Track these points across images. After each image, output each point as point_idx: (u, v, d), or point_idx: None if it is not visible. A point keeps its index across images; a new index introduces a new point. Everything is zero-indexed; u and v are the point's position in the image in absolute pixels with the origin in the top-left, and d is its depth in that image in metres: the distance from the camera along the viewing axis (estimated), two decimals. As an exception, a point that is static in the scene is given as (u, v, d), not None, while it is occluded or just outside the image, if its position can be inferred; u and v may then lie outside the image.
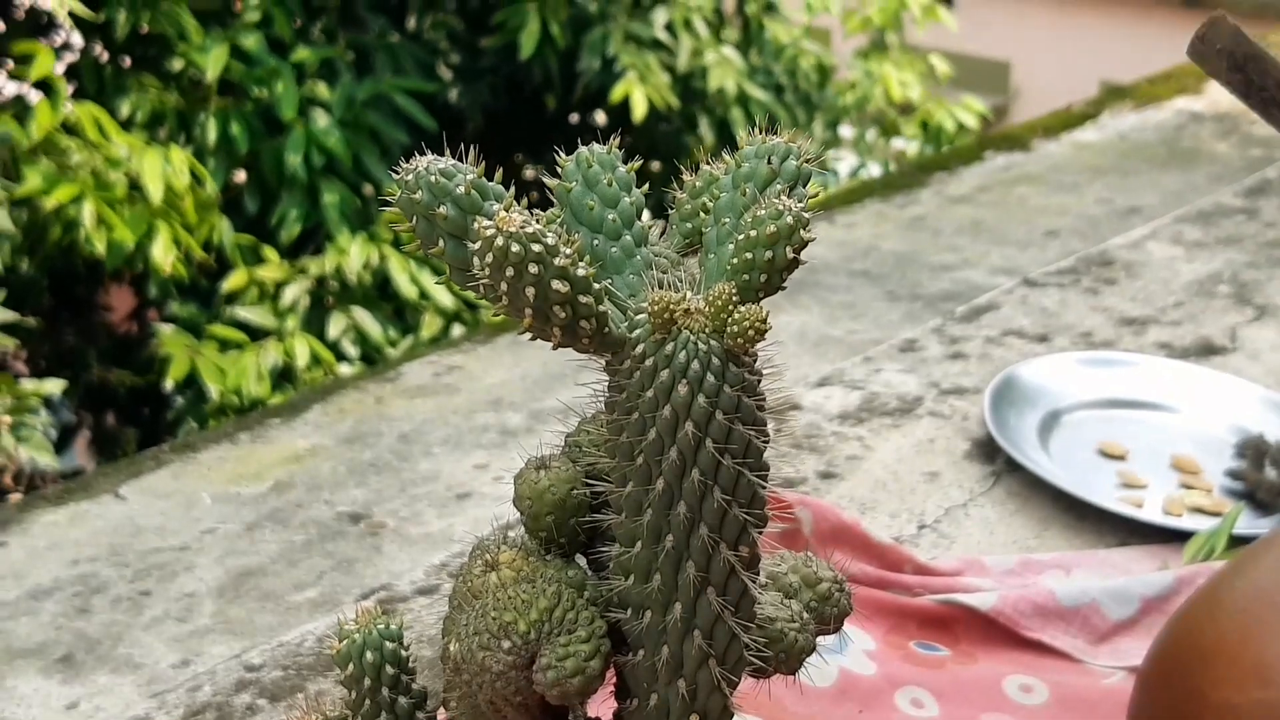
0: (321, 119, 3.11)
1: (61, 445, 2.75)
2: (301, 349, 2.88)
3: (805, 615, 0.52)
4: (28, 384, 2.16)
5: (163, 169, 2.67)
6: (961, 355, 1.31)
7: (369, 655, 0.53)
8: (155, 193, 2.56)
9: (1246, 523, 1.06)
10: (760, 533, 0.48)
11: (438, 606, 0.98)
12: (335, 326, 2.99)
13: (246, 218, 3.11)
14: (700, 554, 0.47)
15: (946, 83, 4.30)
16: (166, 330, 2.91)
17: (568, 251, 0.45)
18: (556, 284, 0.44)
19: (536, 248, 0.44)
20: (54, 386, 2.09)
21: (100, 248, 2.43)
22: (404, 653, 0.55)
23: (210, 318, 3.02)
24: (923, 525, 1.08)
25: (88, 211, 2.44)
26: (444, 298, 3.07)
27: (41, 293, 2.84)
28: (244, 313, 2.96)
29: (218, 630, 1.01)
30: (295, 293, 2.98)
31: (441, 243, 0.47)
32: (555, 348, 0.47)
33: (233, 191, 3.17)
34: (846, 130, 4.19)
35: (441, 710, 0.54)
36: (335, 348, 2.95)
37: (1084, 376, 1.23)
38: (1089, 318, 1.38)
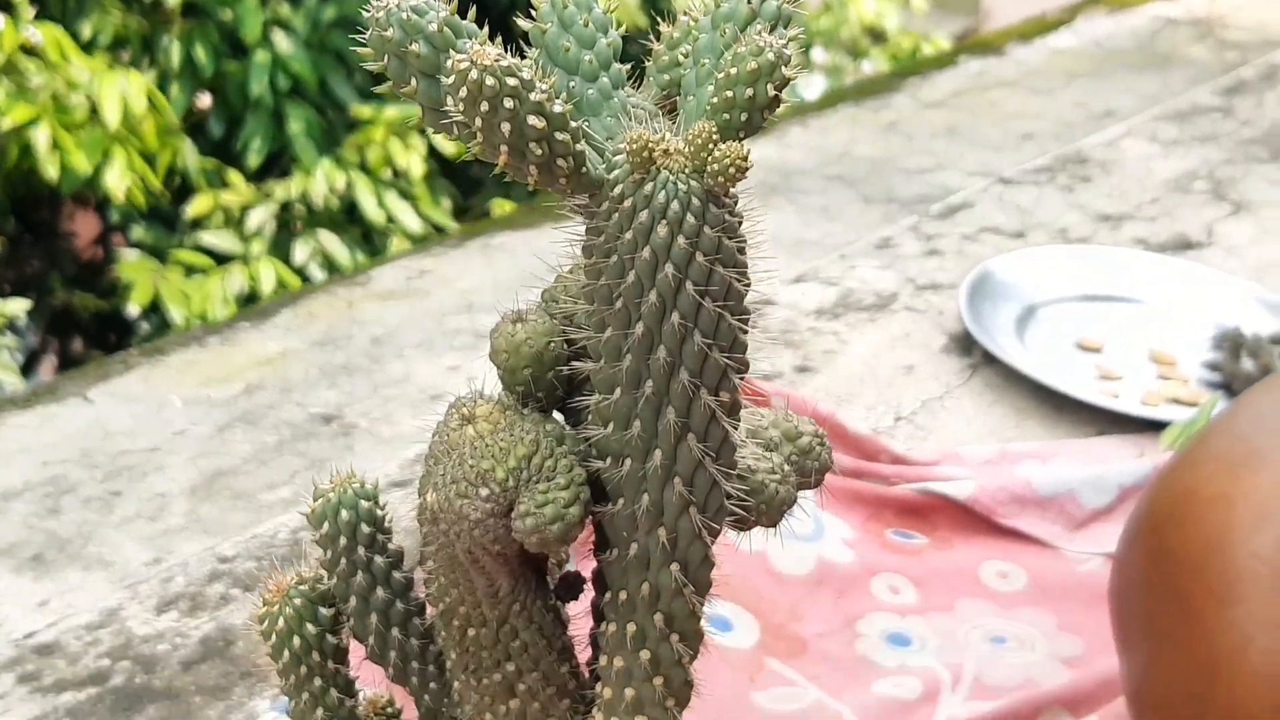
0: (286, 41, 3.07)
1: (27, 369, 2.72)
2: (267, 273, 2.85)
3: (786, 468, 0.51)
4: (-8, 305, 2.14)
5: (120, 93, 2.63)
6: (937, 252, 1.30)
7: (344, 514, 0.53)
8: (112, 117, 2.52)
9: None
10: (741, 379, 0.47)
11: (412, 499, 0.97)
12: (302, 251, 2.96)
13: (212, 141, 3.07)
14: (680, 399, 0.46)
15: (921, 16, 4.28)
16: (130, 256, 2.88)
17: (543, 87, 0.43)
18: (532, 119, 0.43)
19: (511, 81, 0.43)
20: (18, 306, 2.07)
21: (54, 172, 2.40)
22: (379, 512, 0.54)
23: (175, 243, 2.99)
24: (899, 417, 1.07)
25: (41, 135, 2.40)
26: (411, 221, 3.04)
27: (4, 216, 2.80)
28: (209, 237, 2.93)
29: (190, 528, 1.00)
30: (261, 217, 2.95)
31: (414, 81, 0.46)
32: (532, 189, 0.45)
33: (197, 115, 3.12)
34: (819, 54, 4.16)
35: (419, 570, 0.53)
36: (302, 272, 2.93)
37: (1060, 271, 1.23)
38: (1065, 214, 1.38)
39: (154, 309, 2.83)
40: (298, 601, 0.53)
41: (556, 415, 0.50)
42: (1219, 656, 0.64)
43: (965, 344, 1.15)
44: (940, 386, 1.10)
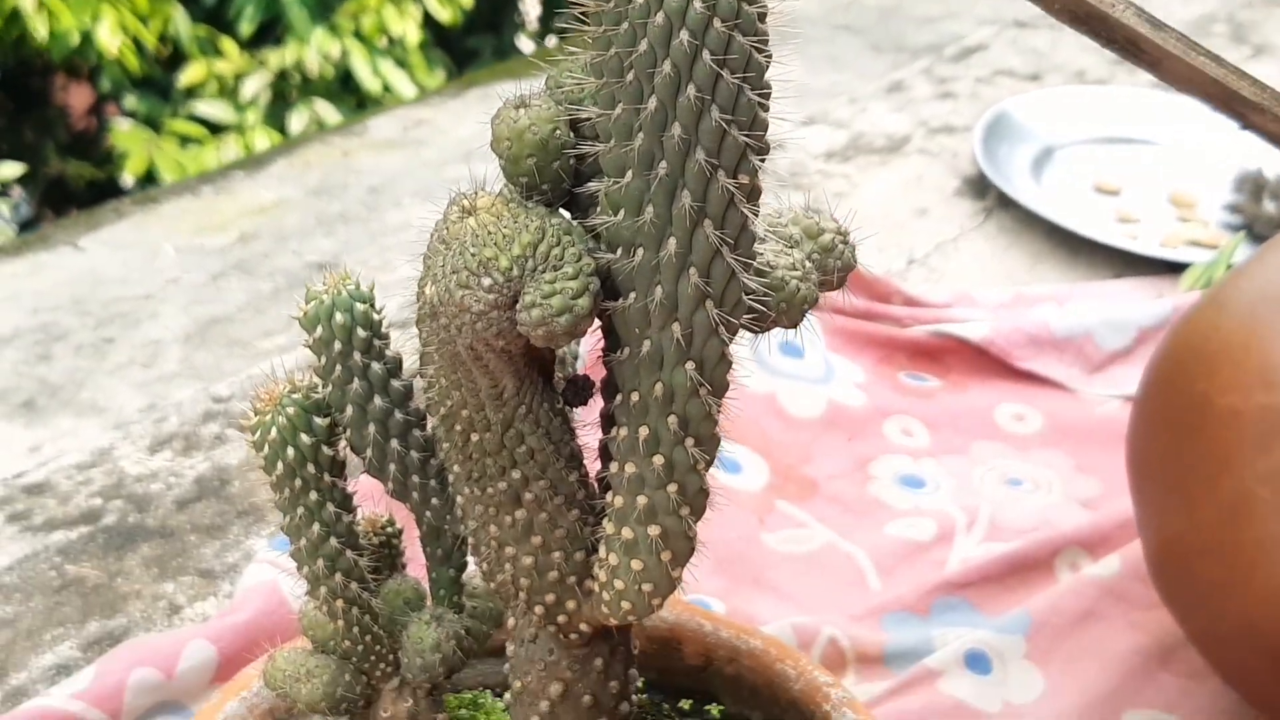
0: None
1: (22, 240, 2.69)
2: (262, 143, 2.81)
3: (808, 265, 0.48)
4: (-15, 169, 2.10)
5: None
6: (951, 95, 1.26)
7: (339, 316, 0.50)
8: (98, -27, 2.46)
9: (1244, 254, 1.03)
10: (762, 161, 0.44)
11: (414, 341, 0.94)
12: (297, 120, 2.91)
13: (204, 8, 3.01)
14: (696, 181, 0.43)
15: None
16: (124, 125, 2.83)
17: None
18: None
19: None
20: (12, 170, 2.02)
21: (43, 32, 2.34)
22: (376, 315, 0.51)
23: (169, 112, 2.94)
24: (912, 260, 1.04)
25: (27, -5, 2.34)
26: (407, 89, 2.99)
27: (-5, 87, 2.75)
28: (203, 107, 2.88)
29: (184, 375, 0.98)
30: (255, 86, 2.89)
31: None
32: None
33: (188, -19, 3.06)
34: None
35: (418, 380, 0.50)
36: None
37: (1078, 112, 1.19)
38: (1081, 57, 1.34)
39: (149, 179, 2.79)
40: (291, 410, 0.50)
41: (562, 212, 0.47)
42: (1229, 557, 0.62)
43: (980, 187, 1.12)
44: (954, 229, 1.07)
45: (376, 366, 0.50)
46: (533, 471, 0.48)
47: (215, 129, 2.89)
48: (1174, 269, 1.02)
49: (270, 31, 3.10)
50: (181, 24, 2.85)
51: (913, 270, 1.03)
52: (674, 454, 0.47)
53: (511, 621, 0.52)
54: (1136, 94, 1.23)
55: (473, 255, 0.43)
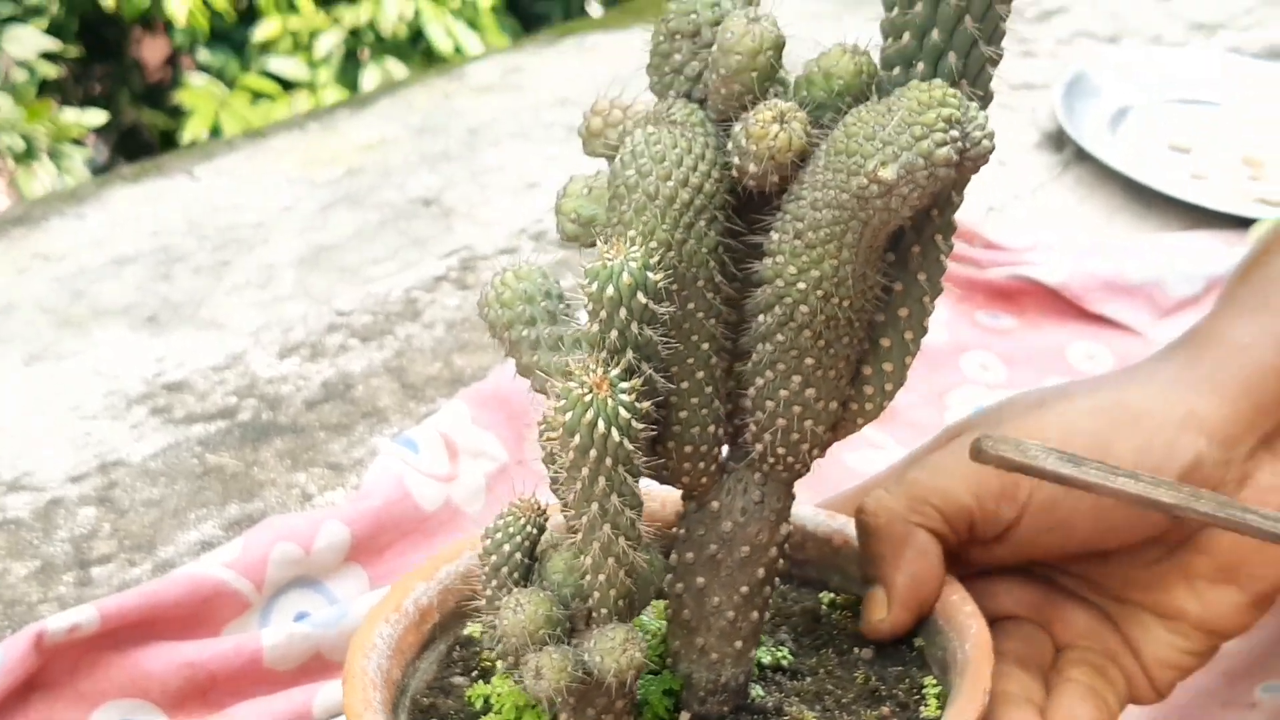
0: None
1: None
2: (333, 101, 2.87)
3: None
4: (69, 114, 2.16)
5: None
6: (1031, 54, 1.31)
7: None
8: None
9: (1312, 211, 1.07)
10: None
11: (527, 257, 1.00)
12: (369, 79, 2.97)
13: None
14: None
15: None
16: (197, 81, 2.90)
17: None
18: None
19: None
20: (95, 117, 2.09)
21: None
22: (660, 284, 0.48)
23: (242, 67, 3.00)
24: (990, 208, 1.09)
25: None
26: (477, 50, 3.05)
27: (71, 38, 2.81)
28: (276, 63, 2.94)
29: (299, 296, 1.03)
30: (329, 43, 2.95)
31: None
32: None
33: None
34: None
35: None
36: (369, 100, 2.94)
37: (1155, 74, 1.23)
38: (1159, 21, 1.37)
39: (217, 134, 2.86)
40: (624, 401, 0.45)
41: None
42: None
43: (1058, 141, 1.16)
44: (1032, 181, 1.12)
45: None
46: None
47: (287, 85, 2.95)
48: (1244, 224, 1.07)
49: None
50: (257, -20, 2.91)
51: (991, 218, 1.08)
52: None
53: (716, 505, 0.56)
54: (1210, 58, 1.27)
55: (935, 116, 0.48)
